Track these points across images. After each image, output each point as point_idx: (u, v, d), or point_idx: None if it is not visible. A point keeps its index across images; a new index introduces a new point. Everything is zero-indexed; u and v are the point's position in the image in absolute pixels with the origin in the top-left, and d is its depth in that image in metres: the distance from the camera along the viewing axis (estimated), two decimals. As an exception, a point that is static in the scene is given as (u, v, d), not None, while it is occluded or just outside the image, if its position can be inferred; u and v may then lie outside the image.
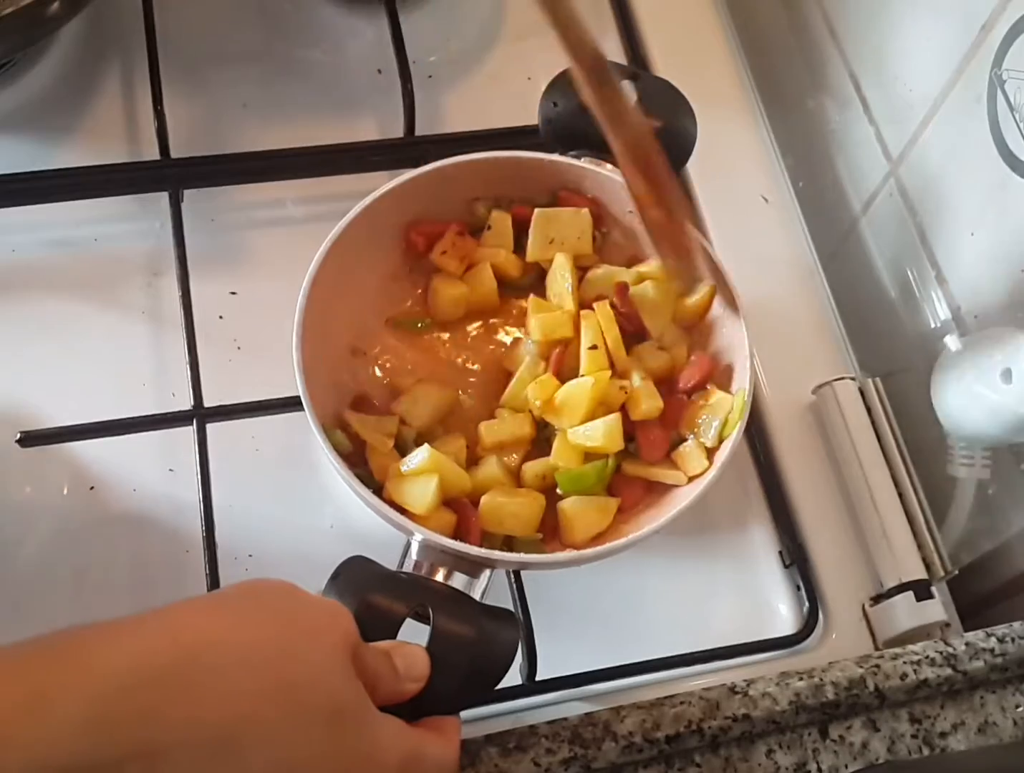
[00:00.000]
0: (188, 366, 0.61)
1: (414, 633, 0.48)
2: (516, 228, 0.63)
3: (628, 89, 0.54)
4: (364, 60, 0.77)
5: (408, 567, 0.52)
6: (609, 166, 0.62)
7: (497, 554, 0.52)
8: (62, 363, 0.65)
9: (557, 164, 0.62)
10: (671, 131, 0.64)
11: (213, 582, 0.57)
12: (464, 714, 0.48)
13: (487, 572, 0.53)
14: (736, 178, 0.76)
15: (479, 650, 0.48)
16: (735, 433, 0.55)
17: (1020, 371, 0.55)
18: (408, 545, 0.53)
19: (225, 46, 0.76)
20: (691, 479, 0.57)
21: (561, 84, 0.63)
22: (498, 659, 0.49)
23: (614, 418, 0.56)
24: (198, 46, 0.75)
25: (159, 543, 0.61)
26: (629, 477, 0.58)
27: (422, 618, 0.48)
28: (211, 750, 0.36)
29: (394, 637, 0.47)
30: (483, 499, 0.55)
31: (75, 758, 0.33)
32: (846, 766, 0.54)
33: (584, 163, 0.62)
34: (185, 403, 0.61)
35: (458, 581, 0.51)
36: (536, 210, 0.62)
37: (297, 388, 0.53)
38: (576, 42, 0.51)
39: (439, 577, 0.51)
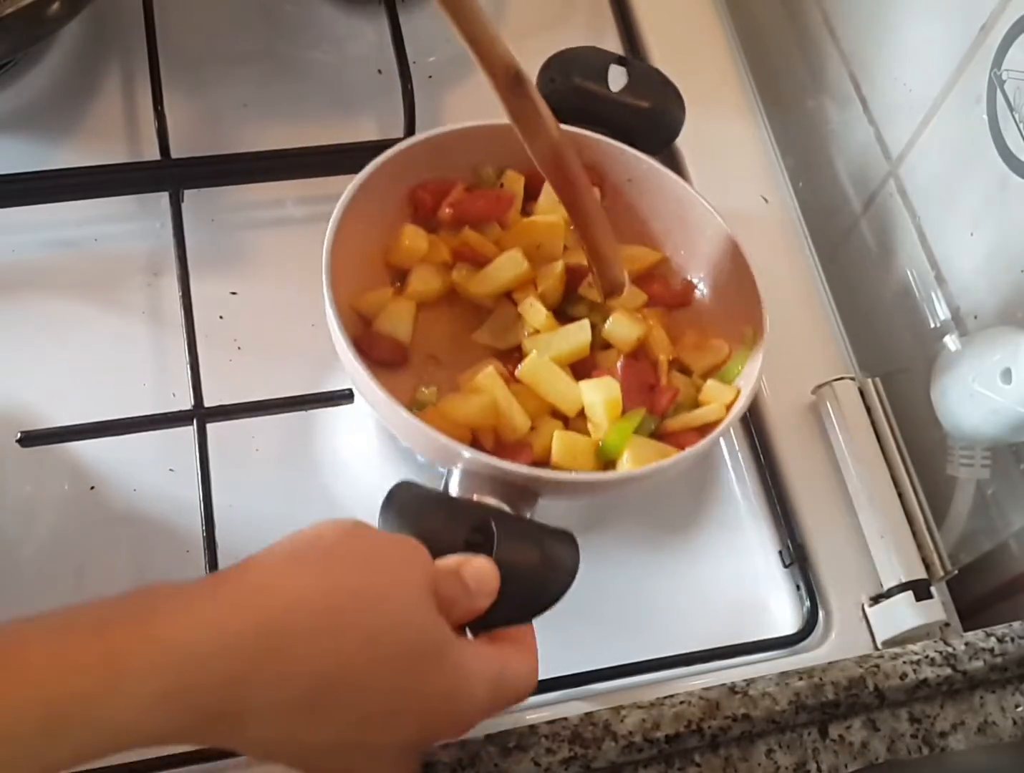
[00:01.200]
0: (188, 366, 0.61)
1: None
2: (525, 194, 0.64)
3: (545, 103, 0.54)
4: (364, 60, 0.77)
5: None
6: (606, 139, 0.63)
7: (549, 473, 0.52)
8: (62, 363, 0.65)
9: None
10: (658, 114, 0.65)
11: (213, 582, 0.57)
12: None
13: (533, 505, 0.52)
14: (736, 178, 0.76)
15: (543, 563, 0.48)
16: (757, 365, 0.58)
17: (1020, 371, 0.55)
18: (448, 476, 0.53)
19: (225, 46, 0.76)
20: (728, 407, 0.58)
21: (559, 61, 0.64)
22: (562, 574, 0.48)
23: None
24: (198, 46, 0.75)
25: (159, 543, 0.61)
26: (676, 432, 0.59)
27: (477, 547, 0.47)
28: (299, 706, 0.36)
29: None
30: (556, 434, 0.56)
31: (155, 729, 0.33)
32: (846, 766, 0.54)
33: (582, 131, 0.63)
34: (185, 403, 0.61)
35: None
36: None
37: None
38: (487, 54, 0.50)
39: None
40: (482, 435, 0.58)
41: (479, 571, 0.45)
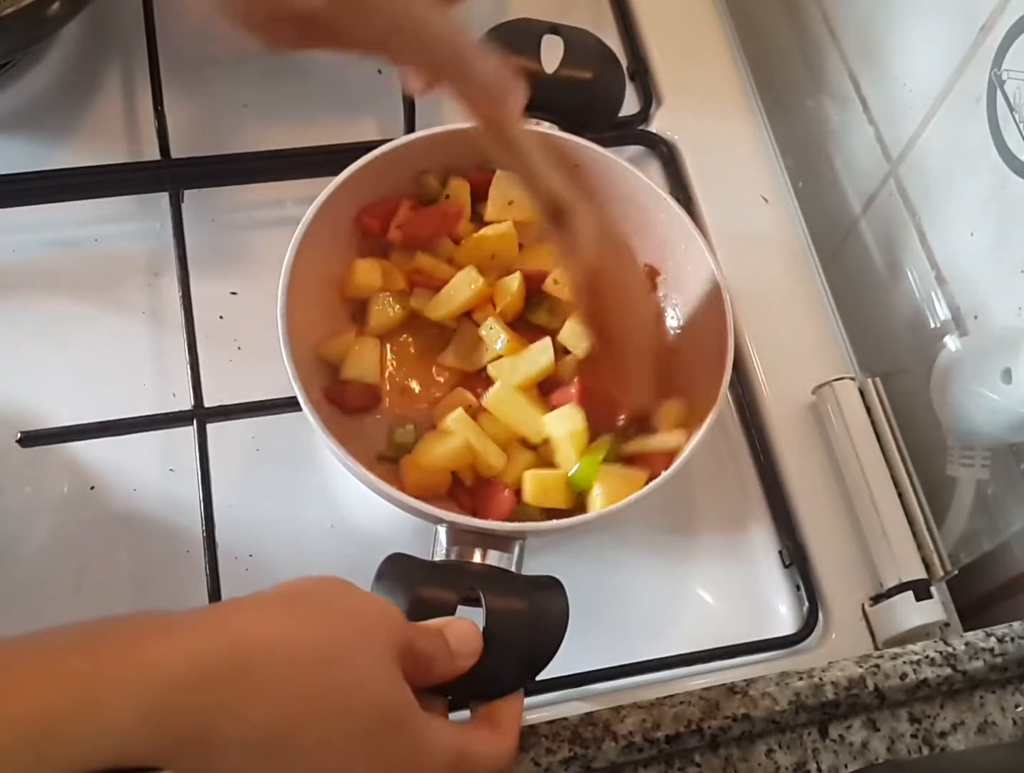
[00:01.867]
0: (188, 366, 0.61)
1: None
2: (471, 196, 0.64)
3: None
4: (364, 60, 0.77)
5: (440, 555, 0.53)
6: (546, 125, 0.62)
7: (529, 525, 0.53)
8: (62, 363, 0.65)
9: None
10: (598, 87, 0.65)
11: (213, 582, 0.57)
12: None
13: (519, 544, 0.53)
14: (736, 178, 0.75)
15: (534, 623, 0.49)
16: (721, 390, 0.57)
17: (1020, 371, 0.55)
18: (436, 533, 0.53)
19: (225, 46, 0.76)
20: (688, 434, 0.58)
21: (490, 40, 0.63)
22: (553, 628, 0.49)
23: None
24: (198, 46, 0.75)
25: (159, 543, 0.61)
26: (641, 455, 0.59)
27: (472, 602, 0.49)
28: (260, 748, 0.37)
29: None
30: (527, 474, 0.57)
31: (127, 752, 0.34)
32: (846, 766, 0.54)
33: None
34: (185, 403, 0.61)
35: (493, 558, 0.52)
36: (498, 172, 0.62)
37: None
38: (533, 185, 0.53)
39: (476, 559, 0.52)
40: (461, 473, 0.58)
41: (460, 632, 0.46)
